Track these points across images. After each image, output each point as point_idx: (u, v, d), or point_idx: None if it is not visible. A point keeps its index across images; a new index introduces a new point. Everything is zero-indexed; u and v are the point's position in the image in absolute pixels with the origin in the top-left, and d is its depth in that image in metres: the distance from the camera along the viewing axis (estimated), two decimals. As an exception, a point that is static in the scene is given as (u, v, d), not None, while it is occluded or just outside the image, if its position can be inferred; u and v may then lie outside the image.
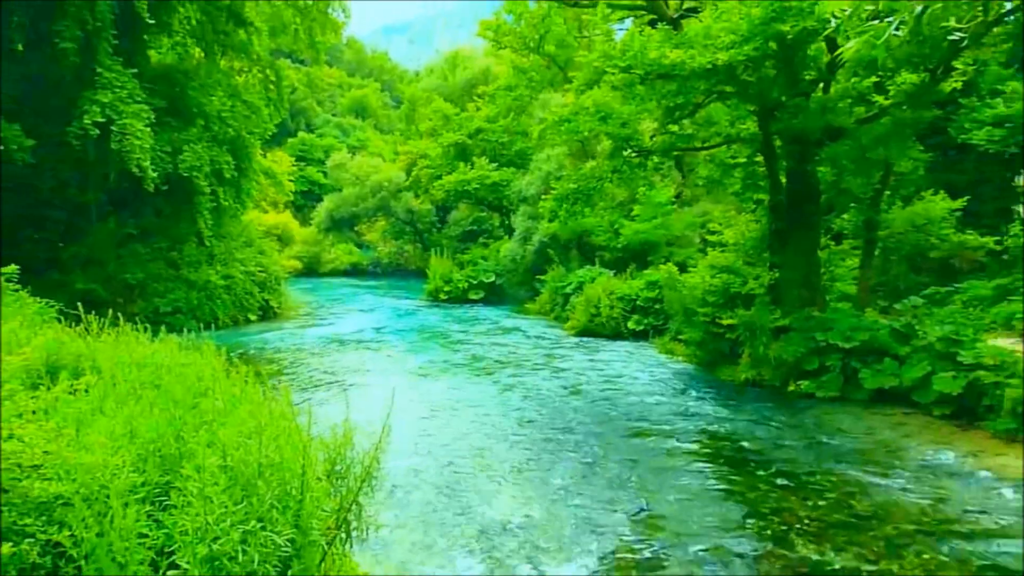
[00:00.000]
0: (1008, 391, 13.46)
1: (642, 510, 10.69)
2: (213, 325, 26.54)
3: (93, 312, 9.70)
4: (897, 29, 2.68)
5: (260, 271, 32.75)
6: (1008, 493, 11.12)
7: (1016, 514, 10.33)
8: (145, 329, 9.55)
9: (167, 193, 27.60)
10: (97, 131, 24.01)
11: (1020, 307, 17.39)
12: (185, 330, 9.81)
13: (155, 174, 25.53)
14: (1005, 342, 15.75)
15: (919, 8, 2.77)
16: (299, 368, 21.39)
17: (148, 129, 25.18)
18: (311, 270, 55.27)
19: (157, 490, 5.41)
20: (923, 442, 13.60)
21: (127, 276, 27.79)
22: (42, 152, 24.18)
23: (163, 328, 9.63)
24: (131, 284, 27.75)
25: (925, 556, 9.15)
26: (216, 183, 29.70)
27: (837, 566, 8.95)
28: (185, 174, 27.63)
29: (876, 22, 2.72)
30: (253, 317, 31.62)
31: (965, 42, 16.05)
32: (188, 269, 29.58)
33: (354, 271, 56.31)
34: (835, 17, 3.22)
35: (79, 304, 10.08)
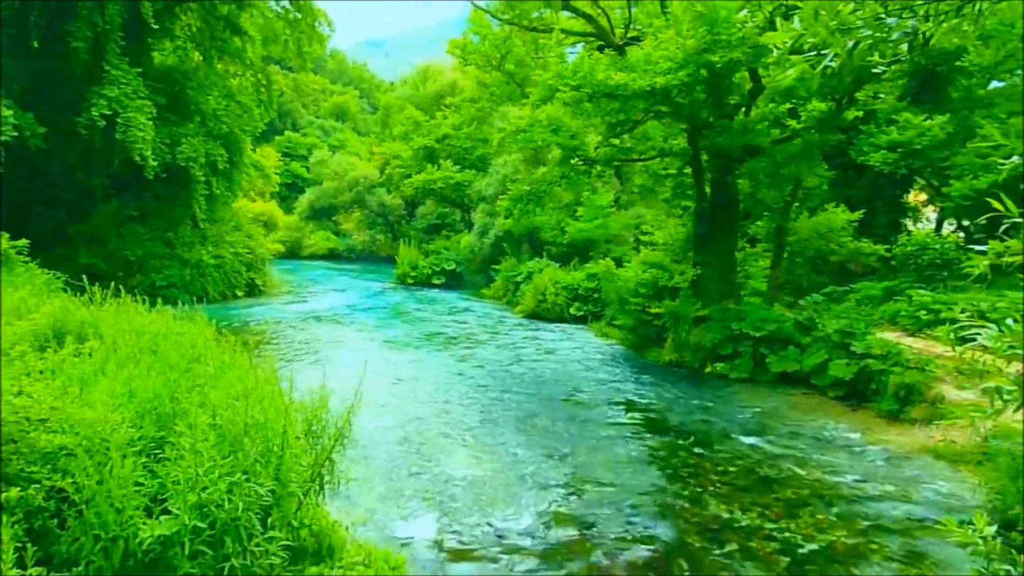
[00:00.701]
0: (892, 377, 13.77)
1: (576, 471, 10.78)
2: (204, 300, 26.14)
3: (96, 284, 9.50)
4: (832, 60, 2.72)
5: (247, 252, 32.35)
6: (888, 463, 11.41)
7: (894, 481, 10.60)
8: (143, 301, 9.36)
9: (165, 180, 27.08)
10: (103, 122, 23.46)
11: (904, 306, 17.79)
12: (179, 303, 9.61)
13: (155, 163, 25.01)
14: (890, 335, 16.13)
15: (851, 43, 2.82)
16: (281, 339, 21.14)
17: (150, 123, 24.66)
18: (293, 253, 54.56)
19: (152, 444, 5.34)
20: (819, 419, 13.86)
21: (127, 253, 27.22)
22: (53, 139, 23.54)
23: (159, 301, 9.45)
24: (130, 260, 27.17)
25: (818, 516, 9.35)
26: (210, 173, 29.22)
27: (744, 523, 9.11)
28: (182, 164, 27.14)
29: (813, 54, 2.77)
30: (240, 293, 31.22)
31: (868, 76, 16.37)
32: (182, 248, 29.11)
33: (331, 256, 55.64)
34: (777, 48, 3.24)
35: (83, 277, 9.85)
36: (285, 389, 6.26)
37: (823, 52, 2.75)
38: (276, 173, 51.91)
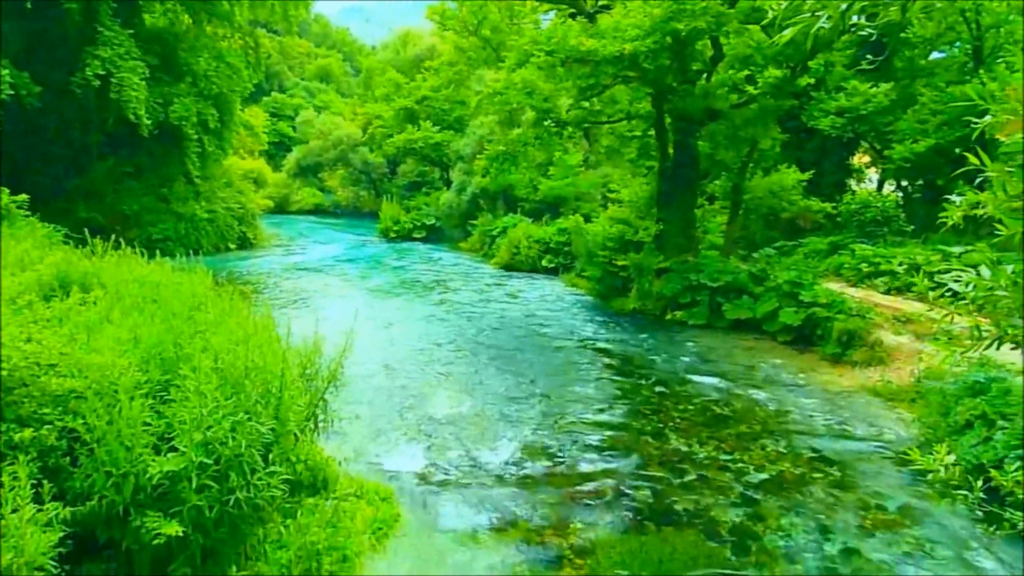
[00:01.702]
0: (835, 324, 13.98)
1: (548, 408, 10.89)
2: (198, 252, 25.71)
3: (97, 236, 9.28)
4: (825, 22, 2.68)
5: (238, 207, 31.84)
6: (831, 402, 11.64)
7: (836, 417, 10.84)
8: (141, 254, 9.17)
9: (159, 138, 26.42)
10: (98, 82, 22.74)
11: (848, 259, 18.02)
12: (175, 255, 9.42)
13: (149, 121, 24.36)
14: (834, 286, 16.34)
15: (844, 6, 2.77)
16: (274, 289, 20.95)
17: (143, 83, 23.95)
18: (281, 209, 53.68)
19: (158, 387, 5.28)
20: (769, 361, 14.08)
21: (123, 207, 26.64)
22: (48, 98, 22.78)
23: (156, 253, 9.25)
24: (127, 214, 26.60)
25: (768, 449, 9.55)
26: (202, 132, 28.56)
27: (701, 455, 9.29)
28: (175, 123, 26.50)
29: (808, 15, 2.72)
30: (233, 246, 30.80)
31: (818, 46, 16.28)
32: (177, 203, 28.55)
33: (317, 211, 54.84)
34: (772, 9, 3.18)
35: (84, 230, 9.62)
36: (282, 335, 6.21)
37: (817, 13, 2.70)
38: (264, 132, 50.80)
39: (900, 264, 16.31)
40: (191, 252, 8.81)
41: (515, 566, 6.58)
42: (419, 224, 38.09)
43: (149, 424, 4.93)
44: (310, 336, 7.19)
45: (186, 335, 5.76)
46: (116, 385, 4.88)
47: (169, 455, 4.81)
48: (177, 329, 5.82)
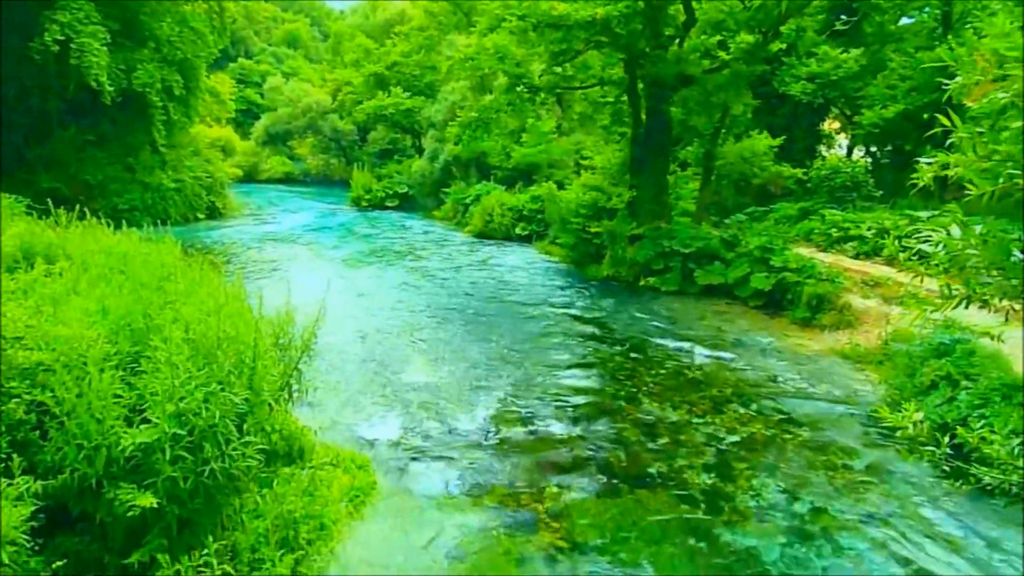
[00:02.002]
0: (805, 288, 14.16)
1: (523, 375, 10.95)
2: (166, 222, 25.22)
3: (61, 207, 9.05)
4: None
5: (206, 177, 31.21)
6: (800, 365, 11.84)
7: (806, 380, 11.03)
8: (107, 224, 8.97)
9: (122, 106, 25.67)
10: (57, 47, 22.03)
11: (818, 224, 18.21)
12: (142, 226, 9.20)
13: (111, 88, 23.66)
14: (804, 251, 16.53)
15: None
16: (244, 259, 20.69)
17: (104, 48, 23.21)
18: (250, 178, 52.72)
19: (129, 359, 5.20)
20: (740, 326, 14.26)
21: (87, 177, 25.95)
22: (6, 64, 22.06)
23: (123, 223, 9.06)
24: (91, 184, 25.92)
25: (739, 412, 9.71)
26: (167, 99, 27.81)
27: (674, 419, 9.42)
28: (139, 89, 25.72)
29: None
30: (202, 216, 30.26)
31: (790, 11, 16.26)
32: (143, 173, 27.88)
33: (287, 180, 53.98)
34: None
35: (48, 200, 9.39)
36: (254, 305, 6.14)
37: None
38: (231, 99, 49.70)
39: (869, 229, 16.52)
40: (159, 222, 8.61)
41: (491, 530, 6.65)
42: (391, 192, 37.73)
43: (120, 396, 4.87)
44: (282, 306, 7.12)
45: (156, 306, 5.67)
46: (85, 357, 4.80)
47: (141, 427, 4.76)
48: (146, 300, 5.72)
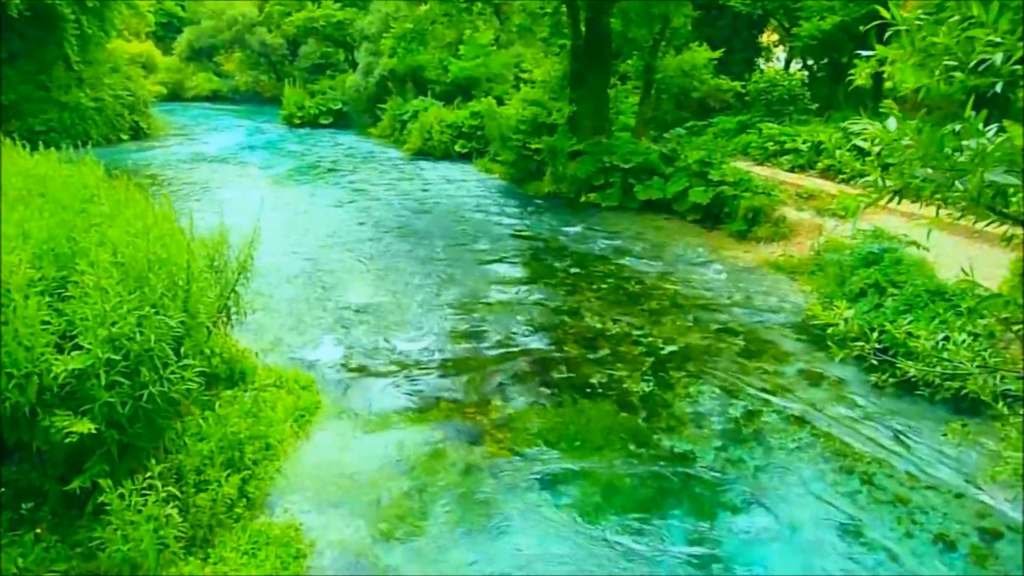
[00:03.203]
0: (742, 202, 14.38)
1: (466, 293, 10.99)
2: (87, 144, 23.88)
3: (-31, 127, 8.49)
4: None
5: (128, 95, 29.52)
6: (736, 276, 12.14)
7: (741, 291, 11.35)
8: (23, 146, 8.46)
9: (31, 19, 23.80)
10: (-48, -47, 20.22)
11: (755, 137, 18.39)
12: (61, 147, 8.69)
13: (18, 0, 21.95)
14: (742, 165, 16.73)
15: None
16: (173, 181, 19.88)
17: (5, -45, 21.41)
18: (175, 96, 50.08)
19: (55, 284, 4.99)
20: (679, 240, 14.48)
21: (-1, 97, 24.36)
22: None
23: (40, 145, 8.55)
24: (3, 104, 24.33)
25: (677, 323, 9.97)
26: (79, 11, 25.89)
27: (614, 332, 9.62)
28: (48, 1, 23.91)
29: None
30: (125, 137, 28.77)
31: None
32: (58, 92, 26.22)
33: (215, 98, 51.46)
34: None
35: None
36: (185, 226, 5.94)
37: None
38: (150, 12, 46.76)
39: (804, 142, 16.78)
40: (78, 144, 8.13)
41: (437, 443, 6.78)
42: (325, 109, 36.42)
43: (48, 323, 4.70)
44: (216, 227, 6.91)
45: (79, 229, 5.43)
46: (8, 284, 4.59)
47: (73, 353, 4.62)
48: (69, 223, 5.47)
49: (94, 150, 7.99)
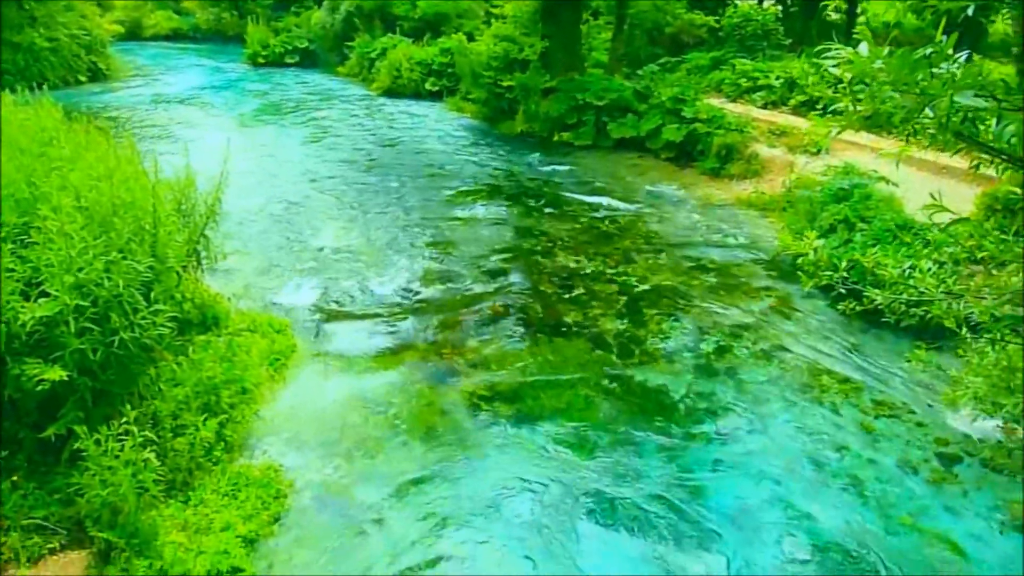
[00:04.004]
0: (715, 139, 14.32)
1: (439, 234, 10.94)
2: (43, 86, 23.06)
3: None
4: None
5: (84, 34, 28.35)
6: (708, 214, 12.19)
7: (713, 229, 11.41)
8: (-25, 90, 8.14)
9: (-26, -49, 22.80)
10: None
11: (728, 74, 18.24)
12: (16, 90, 8.37)
13: (-44, -70, 20.88)
14: (715, 101, 16.63)
15: None
16: (135, 123, 19.34)
17: None
18: (134, 35, 48.09)
19: (17, 231, 4.88)
20: (652, 179, 14.43)
21: (-55, 36, 23.33)
22: None
23: (-7, 88, 8.24)
24: (-49, 45, 23.38)
25: (650, 262, 10.03)
26: (24, -57, 24.79)
27: (589, 271, 9.67)
28: (-8, -68, 22.81)
29: None
30: (83, 79, 27.70)
31: None
32: (10, 32, 25.09)
33: (175, 36, 49.49)
34: None
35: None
36: (149, 169, 5.80)
37: None
38: (101, -56, 44.67)
39: (777, 79, 16.68)
40: (34, 86, 7.87)
41: (414, 384, 6.84)
42: (291, 48, 35.33)
43: (13, 270, 4.61)
44: (182, 170, 6.77)
45: (40, 173, 5.28)
46: (-34, 230, 4.49)
47: (40, 300, 4.55)
48: (28, 167, 5.31)
49: (51, 92, 7.70)
